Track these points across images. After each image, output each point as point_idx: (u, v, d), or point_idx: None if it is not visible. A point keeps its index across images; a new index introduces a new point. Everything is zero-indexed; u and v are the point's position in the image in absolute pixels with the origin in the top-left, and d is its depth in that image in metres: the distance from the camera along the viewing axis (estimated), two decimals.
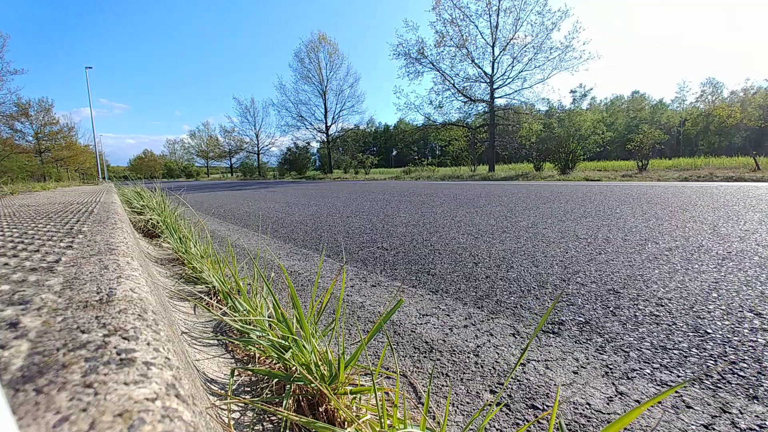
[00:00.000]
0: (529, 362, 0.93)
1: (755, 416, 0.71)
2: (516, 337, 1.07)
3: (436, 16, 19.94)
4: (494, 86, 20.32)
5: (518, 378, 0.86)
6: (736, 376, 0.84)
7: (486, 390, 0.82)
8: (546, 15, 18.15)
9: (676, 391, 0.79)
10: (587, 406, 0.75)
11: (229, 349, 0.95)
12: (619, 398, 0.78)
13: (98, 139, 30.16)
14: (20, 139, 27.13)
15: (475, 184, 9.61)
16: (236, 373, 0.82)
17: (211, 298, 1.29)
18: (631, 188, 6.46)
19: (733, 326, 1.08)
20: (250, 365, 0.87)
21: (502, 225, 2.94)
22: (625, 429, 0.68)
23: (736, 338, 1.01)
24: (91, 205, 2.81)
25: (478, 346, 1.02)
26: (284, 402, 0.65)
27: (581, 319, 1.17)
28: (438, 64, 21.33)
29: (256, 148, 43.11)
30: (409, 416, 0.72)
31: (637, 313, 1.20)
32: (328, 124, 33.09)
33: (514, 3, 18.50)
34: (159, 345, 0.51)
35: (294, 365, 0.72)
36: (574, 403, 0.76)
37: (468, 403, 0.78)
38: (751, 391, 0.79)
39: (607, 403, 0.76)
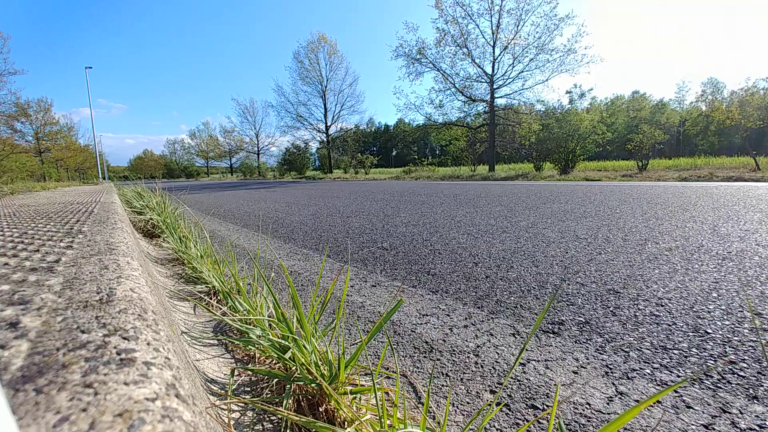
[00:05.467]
0: (529, 362, 0.93)
1: (755, 416, 0.71)
2: (516, 337, 1.07)
3: (439, 12, 19.88)
4: (494, 86, 20.31)
5: (518, 378, 0.86)
6: (736, 376, 0.84)
7: (486, 390, 0.82)
8: (551, 18, 18.12)
9: (676, 392, 0.79)
10: (587, 406, 0.75)
11: (229, 349, 0.95)
12: (619, 398, 0.78)
13: (98, 139, 30.16)
14: (20, 139, 27.16)
15: (475, 184, 9.61)
16: (236, 373, 0.82)
17: (211, 298, 1.29)
18: (631, 188, 6.46)
19: (733, 326, 1.08)
20: (250, 365, 0.87)
21: (502, 225, 2.94)
22: (625, 429, 0.68)
23: (736, 338, 1.01)
24: (91, 205, 2.81)
25: (478, 346, 1.02)
26: (284, 402, 0.65)
27: (581, 319, 1.17)
28: (438, 63, 21.34)
29: (255, 148, 43.21)
30: (409, 416, 0.72)
31: (637, 313, 1.20)
32: (328, 124, 33.12)
33: (518, 4, 18.49)
34: (159, 345, 0.51)
35: (294, 365, 0.72)
36: (574, 403, 0.76)
37: (468, 403, 0.78)
38: (751, 391, 0.79)
39: (607, 403, 0.76)
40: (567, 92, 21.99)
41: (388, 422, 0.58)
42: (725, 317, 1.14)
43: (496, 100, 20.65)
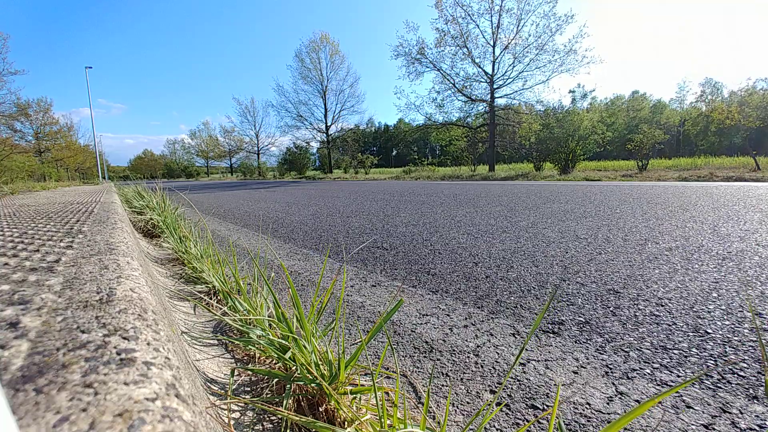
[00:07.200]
0: (529, 362, 0.93)
1: (755, 416, 0.71)
2: (516, 337, 1.07)
3: (438, 12, 19.87)
4: (494, 86, 20.31)
5: (518, 378, 0.86)
6: (736, 376, 0.84)
7: (486, 390, 0.82)
8: (551, 18, 18.11)
9: (676, 391, 0.79)
10: (587, 406, 0.75)
11: (229, 349, 0.95)
12: (619, 398, 0.78)
13: (98, 138, 30.18)
14: (20, 139, 27.15)
15: (475, 184, 9.61)
16: (236, 372, 0.82)
17: (211, 298, 1.29)
18: (631, 188, 6.46)
19: (733, 326, 1.08)
20: (250, 365, 0.87)
21: (502, 225, 2.94)
22: (625, 429, 0.68)
23: (736, 338, 1.01)
24: (91, 205, 2.81)
25: (478, 346, 1.02)
26: (284, 402, 0.65)
27: (581, 319, 1.17)
28: (438, 63, 21.33)
29: (255, 148, 43.19)
30: (409, 416, 0.72)
31: (637, 313, 1.20)
32: (328, 124, 33.10)
33: (518, 4, 18.49)
34: (159, 345, 0.51)
35: (294, 365, 0.72)
36: (574, 403, 0.76)
37: (468, 403, 0.78)
38: (751, 391, 0.79)
39: (607, 403, 0.76)
40: (570, 92, 21.90)
41: (388, 422, 0.58)
42: (725, 317, 1.14)
43: (496, 100, 20.65)
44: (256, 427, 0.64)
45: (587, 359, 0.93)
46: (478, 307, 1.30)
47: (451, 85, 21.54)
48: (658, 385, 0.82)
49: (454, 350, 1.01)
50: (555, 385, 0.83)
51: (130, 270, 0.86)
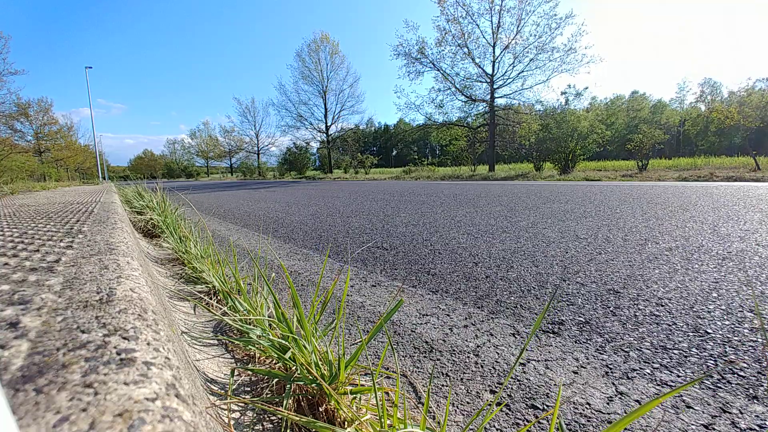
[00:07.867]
0: (529, 362, 0.93)
1: (755, 416, 0.71)
2: (516, 337, 1.07)
3: (440, 9, 19.82)
4: (494, 86, 20.30)
5: (518, 378, 0.86)
6: (736, 376, 0.84)
7: (486, 390, 0.82)
8: (551, 18, 18.10)
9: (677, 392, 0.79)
10: (587, 406, 0.75)
11: (229, 349, 0.95)
12: (619, 398, 0.78)
13: (98, 138, 30.19)
14: (20, 139, 27.16)
15: (475, 184, 9.61)
16: (236, 372, 0.82)
17: (211, 298, 1.29)
18: (631, 188, 6.46)
19: (733, 326, 1.08)
20: (250, 365, 0.87)
21: (502, 225, 2.94)
22: (626, 429, 0.68)
23: (736, 338, 1.01)
24: (91, 205, 2.81)
25: (478, 346, 1.02)
26: (284, 402, 0.65)
27: (581, 319, 1.17)
28: (438, 63, 21.31)
29: (255, 148, 43.16)
30: (409, 416, 0.72)
31: (637, 313, 1.20)
32: (328, 124, 33.08)
33: (519, 3, 18.48)
34: (159, 345, 0.51)
35: (294, 365, 0.72)
36: (574, 403, 0.76)
37: (468, 403, 0.78)
38: (751, 391, 0.79)
39: (607, 403, 0.76)
40: (562, 93, 21.82)
41: (388, 422, 0.58)
42: (725, 317, 1.14)
43: (496, 100, 20.64)
44: (256, 427, 0.64)
45: (587, 359, 0.93)
46: (478, 307, 1.30)
47: (451, 84, 21.53)
48: (658, 385, 0.82)
49: (454, 350, 1.01)
50: (555, 385, 0.83)
51: (130, 270, 0.86)
